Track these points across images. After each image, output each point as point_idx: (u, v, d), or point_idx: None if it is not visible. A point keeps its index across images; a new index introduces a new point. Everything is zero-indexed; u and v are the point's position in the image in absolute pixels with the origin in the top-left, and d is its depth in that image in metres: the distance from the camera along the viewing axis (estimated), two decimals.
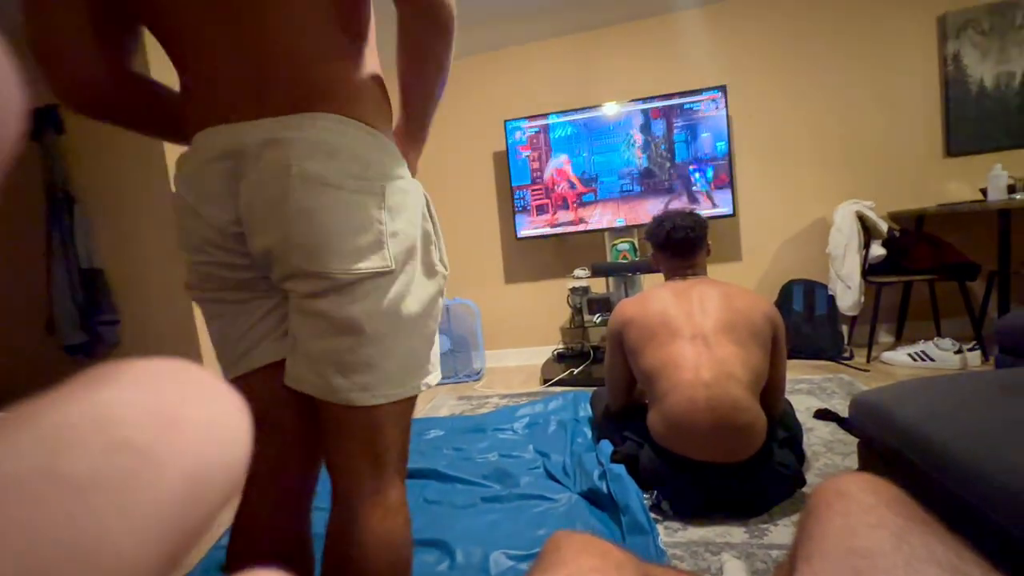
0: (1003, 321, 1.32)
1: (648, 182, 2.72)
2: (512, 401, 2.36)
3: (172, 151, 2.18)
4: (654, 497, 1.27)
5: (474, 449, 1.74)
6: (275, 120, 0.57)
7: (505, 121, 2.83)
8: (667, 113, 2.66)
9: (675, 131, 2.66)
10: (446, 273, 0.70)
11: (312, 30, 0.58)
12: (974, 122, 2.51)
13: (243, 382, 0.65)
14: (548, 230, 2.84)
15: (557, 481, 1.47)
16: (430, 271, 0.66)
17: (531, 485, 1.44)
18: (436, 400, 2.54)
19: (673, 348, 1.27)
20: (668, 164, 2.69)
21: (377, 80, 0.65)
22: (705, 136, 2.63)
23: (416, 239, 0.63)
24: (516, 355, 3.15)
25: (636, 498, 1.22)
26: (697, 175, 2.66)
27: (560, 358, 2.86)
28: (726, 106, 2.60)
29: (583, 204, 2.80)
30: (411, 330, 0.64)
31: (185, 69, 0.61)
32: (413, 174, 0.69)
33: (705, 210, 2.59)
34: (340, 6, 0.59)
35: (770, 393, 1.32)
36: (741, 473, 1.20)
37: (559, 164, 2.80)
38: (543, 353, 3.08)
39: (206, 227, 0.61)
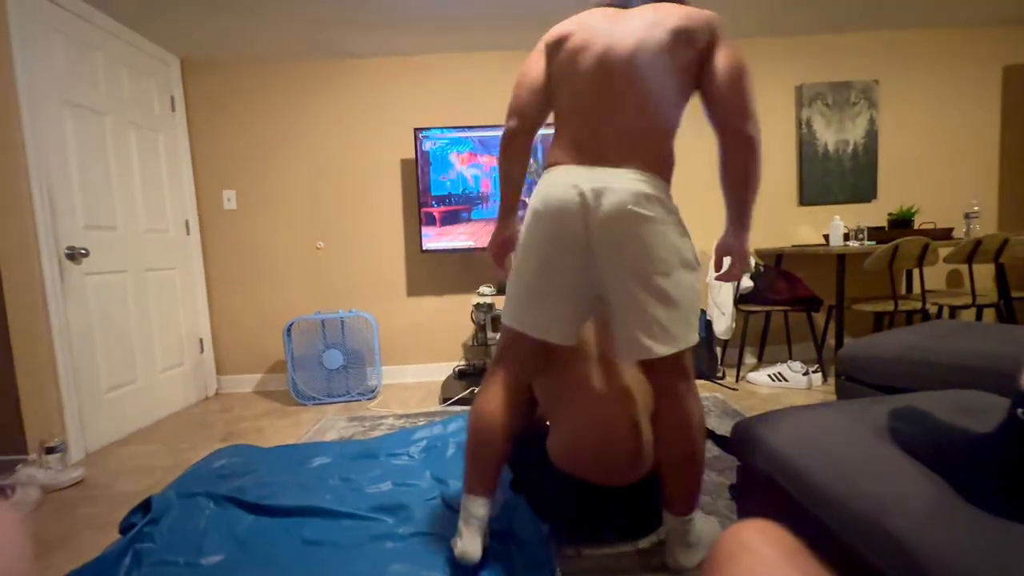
0: (842, 352, 1.53)
1: None
2: (409, 422, 2.24)
3: None
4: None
5: (365, 478, 1.60)
6: (623, 171, 0.98)
7: (415, 129, 2.73)
8: None
9: None
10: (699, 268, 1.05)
11: (657, 124, 1.01)
12: (820, 178, 2.98)
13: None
14: (455, 244, 2.78)
15: (456, 511, 1.39)
16: (695, 268, 1.03)
17: (427, 519, 1.35)
18: (323, 422, 2.32)
19: (581, 371, 1.28)
20: None
21: (672, 153, 1.06)
22: None
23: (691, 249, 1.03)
24: (415, 371, 3.01)
25: (536, 531, 1.19)
26: None
27: (461, 375, 2.80)
28: None
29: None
30: (689, 307, 1.01)
31: (565, 123, 1.08)
32: (742, 252, 1.11)
33: None
34: (673, 118, 1.03)
35: None
36: (634, 494, 1.23)
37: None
38: (443, 370, 2.99)
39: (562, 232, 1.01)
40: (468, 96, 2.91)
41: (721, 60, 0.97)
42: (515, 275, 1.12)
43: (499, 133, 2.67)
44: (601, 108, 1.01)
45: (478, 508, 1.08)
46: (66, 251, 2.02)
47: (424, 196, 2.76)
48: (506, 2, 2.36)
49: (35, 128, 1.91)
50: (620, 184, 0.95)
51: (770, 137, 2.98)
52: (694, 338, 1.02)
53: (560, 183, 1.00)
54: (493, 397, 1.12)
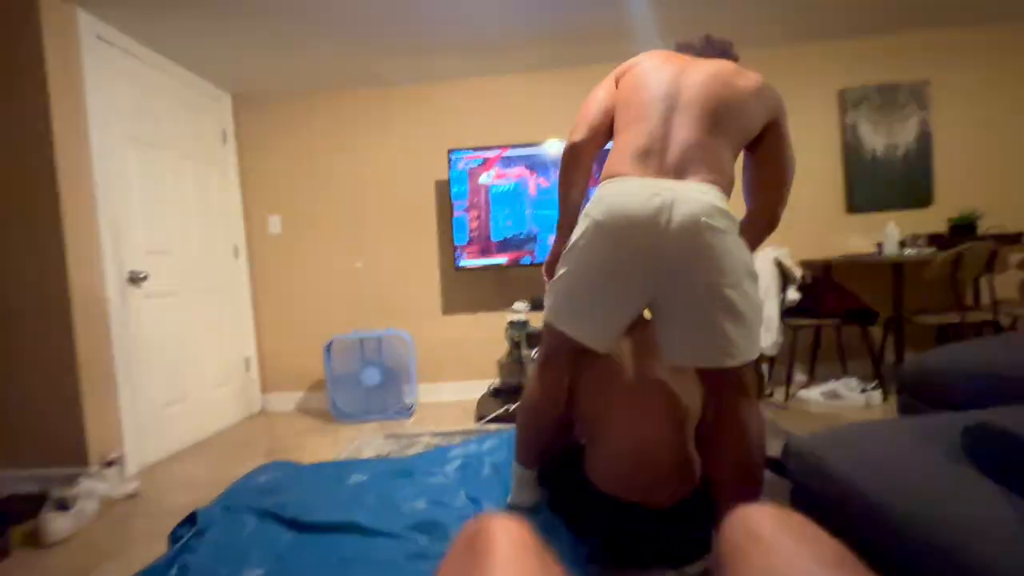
0: (905, 367, 1.42)
1: None
2: (444, 440, 2.23)
3: None
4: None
5: (400, 496, 1.59)
6: (692, 183, 0.98)
7: (449, 150, 2.80)
8: None
9: None
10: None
11: (722, 144, 1.04)
12: (869, 184, 2.83)
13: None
14: (488, 261, 2.79)
15: None
16: (757, 278, 1.03)
17: None
18: (361, 440, 2.35)
19: (619, 390, 1.24)
20: None
21: (733, 172, 1.07)
22: None
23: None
24: (450, 389, 3.02)
25: (575, 555, 1.14)
26: None
27: (496, 393, 2.78)
28: None
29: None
30: (754, 319, 1.01)
31: (629, 134, 1.08)
32: None
33: None
34: (736, 145, 1.08)
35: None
36: (681, 516, 1.17)
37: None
38: (479, 387, 2.98)
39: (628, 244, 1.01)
40: (498, 117, 2.97)
41: (782, 149, 1.11)
42: (569, 281, 1.08)
43: (529, 152, 2.73)
44: (670, 120, 1.03)
45: (530, 477, 1.30)
46: (128, 275, 2.16)
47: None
48: (535, 24, 2.41)
49: (103, 164, 2.08)
50: (692, 196, 0.95)
51: (810, 145, 2.87)
52: (756, 351, 1.03)
53: (630, 193, 0.98)
54: (545, 389, 1.22)
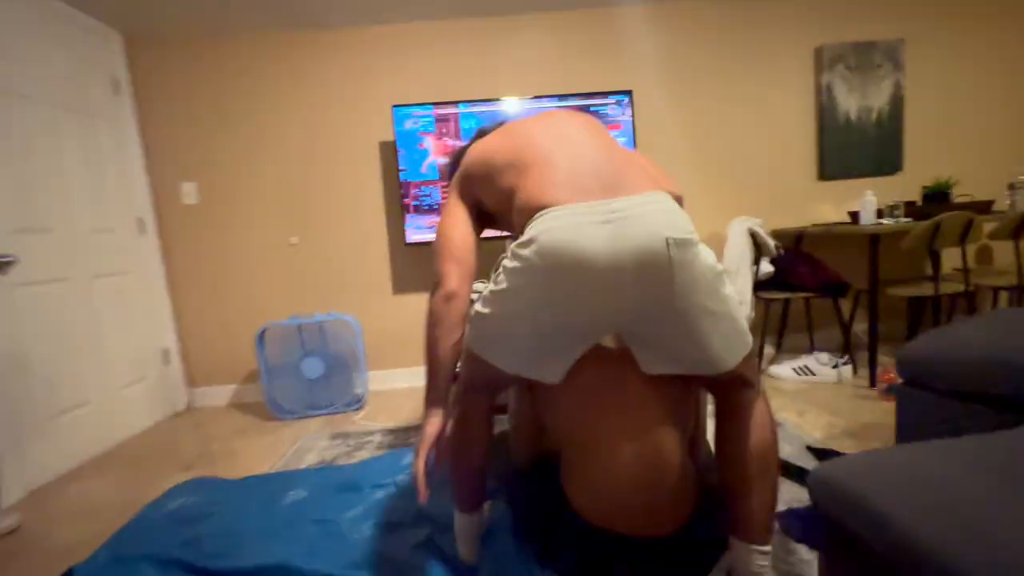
0: (908, 353, 1.29)
1: None
2: (399, 438, 2.00)
3: None
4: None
5: (344, 520, 1.36)
6: (646, 196, 0.84)
7: (393, 107, 2.43)
8: None
9: None
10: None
11: (628, 151, 1.01)
12: (842, 149, 2.72)
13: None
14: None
15: (446, 560, 1.16)
16: (723, 271, 0.88)
17: (413, 573, 1.11)
18: (304, 441, 2.07)
19: (611, 400, 1.04)
20: None
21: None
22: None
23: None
24: (405, 376, 2.76)
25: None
26: None
27: (455, 379, 2.55)
28: (632, 112, 2.50)
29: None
30: (735, 312, 0.88)
31: (541, 169, 0.91)
32: None
33: None
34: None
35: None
36: (669, 546, 1.00)
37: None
38: None
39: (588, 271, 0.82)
40: (452, 69, 2.61)
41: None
42: (500, 324, 0.88)
43: (488, 108, 2.41)
44: (569, 144, 0.93)
45: (472, 524, 1.11)
46: None
47: (406, 180, 2.48)
48: None
49: None
50: (646, 210, 0.81)
51: (785, 107, 2.71)
52: (749, 341, 0.92)
53: (573, 224, 0.80)
54: (470, 426, 1.07)
